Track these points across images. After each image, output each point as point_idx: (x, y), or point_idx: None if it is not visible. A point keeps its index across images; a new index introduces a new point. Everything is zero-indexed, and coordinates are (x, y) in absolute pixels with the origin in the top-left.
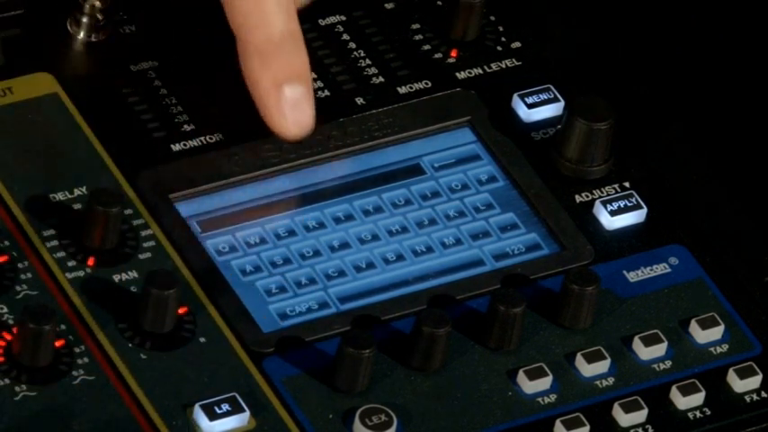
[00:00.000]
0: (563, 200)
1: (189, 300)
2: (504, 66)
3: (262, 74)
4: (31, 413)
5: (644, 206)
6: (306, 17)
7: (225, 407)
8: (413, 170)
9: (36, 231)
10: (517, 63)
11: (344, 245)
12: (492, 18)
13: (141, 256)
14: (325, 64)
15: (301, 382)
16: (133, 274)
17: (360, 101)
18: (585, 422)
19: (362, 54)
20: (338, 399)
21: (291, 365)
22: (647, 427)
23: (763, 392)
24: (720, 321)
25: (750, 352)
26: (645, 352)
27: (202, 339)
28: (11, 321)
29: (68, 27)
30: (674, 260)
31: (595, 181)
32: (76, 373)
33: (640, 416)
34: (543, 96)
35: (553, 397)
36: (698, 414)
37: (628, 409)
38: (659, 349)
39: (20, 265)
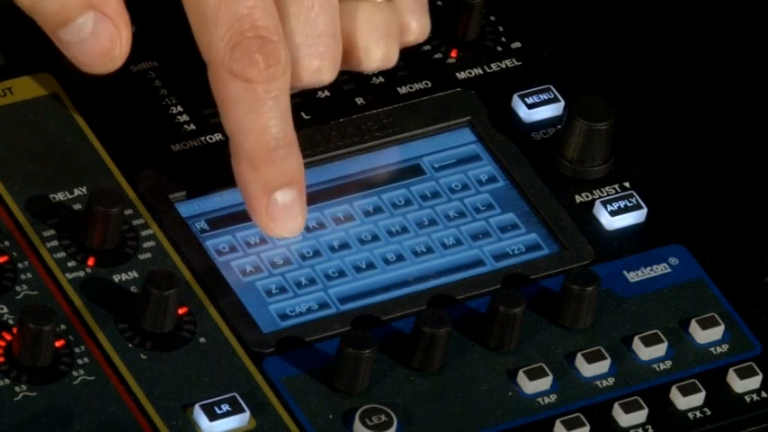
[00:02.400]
0: (563, 200)
1: (189, 300)
2: (504, 66)
3: (253, 179)
4: (31, 413)
5: (644, 206)
6: None
7: (225, 407)
8: (413, 170)
9: (36, 231)
10: (517, 63)
11: (344, 245)
12: (492, 18)
13: (141, 256)
14: None
15: (301, 382)
16: (133, 274)
17: (360, 101)
18: (585, 422)
19: None
20: (338, 399)
21: (291, 365)
22: (647, 427)
23: (763, 392)
24: (720, 321)
25: (750, 352)
26: (645, 352)
27: (202, 339)
28: (11, 321)
29: None
30: (674, 260)
31: (595, 181)
32: (76, 373)
33: (640, 416)
34: (543, 96)
35: (553, 397)
36: (698, 414)
37: (628, 409)
38: (659, 349)
39: (20, 265)
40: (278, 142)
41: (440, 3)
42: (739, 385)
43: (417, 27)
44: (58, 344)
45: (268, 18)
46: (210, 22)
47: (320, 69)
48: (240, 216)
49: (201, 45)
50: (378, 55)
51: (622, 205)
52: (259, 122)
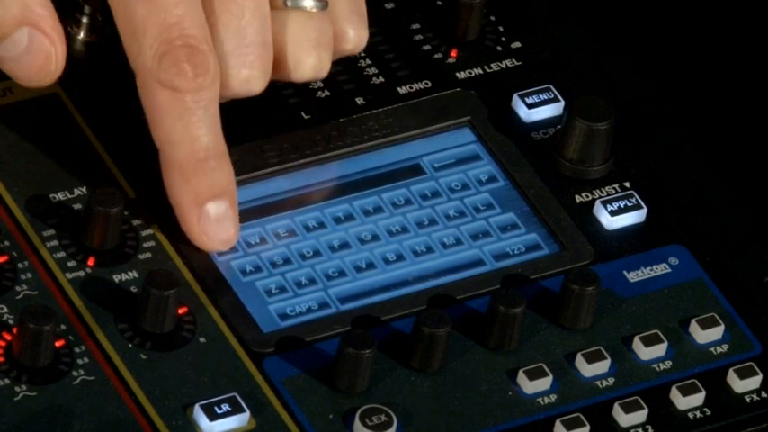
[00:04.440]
0: (563, 200)
1: (189, 300)
2: (504, 66)
3: (183, 190)
4: (31, 413)
5: (644, 206)
6: None
7: (225, 407)
8: (413, 170)
9: (36, 231)
10: (517, 63)
11: (344, 245)
12: (492, 18)
13: (141, 256)
14: None
15: (301, 382)
16: (133, 274)
17: (360, 101)
18: (585, 422)
19: (362, 54)
20: (338, 399)
21: (291, 365)
22: (647, 427)
23: (763, 392)
24: (720, 321)
25: (750, 352)
26: (645, 352)
27: (202, 339)
28: (11, 321)
29: (68, 27)
30: (674, 260)
31: (595, 181)
32: (76, 373)
33: (640, 416)
34: (543, 96)
35: (553, 397)
36: (698, 414)
37: (628, 409)
38: (659, 349)
39: (20, 265)
40: (208, 152)
41: (440, 3)
42: (739, 385)
43: (354, 36)
44: (58, 344)
45: (197, 27)
46: (139, 30)
47: (249, 79)
48: (240, 216)
49: (130, 54)
50: (309, 65)
51: (622, 205)
52: (188, 132)
